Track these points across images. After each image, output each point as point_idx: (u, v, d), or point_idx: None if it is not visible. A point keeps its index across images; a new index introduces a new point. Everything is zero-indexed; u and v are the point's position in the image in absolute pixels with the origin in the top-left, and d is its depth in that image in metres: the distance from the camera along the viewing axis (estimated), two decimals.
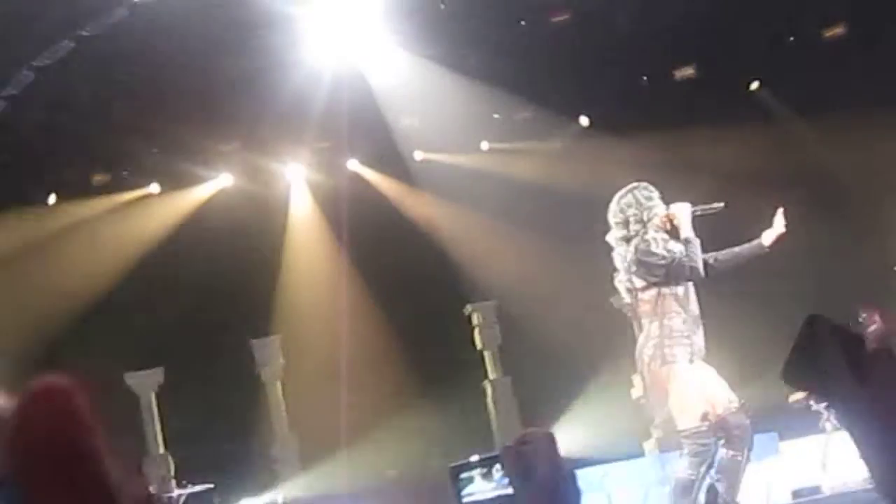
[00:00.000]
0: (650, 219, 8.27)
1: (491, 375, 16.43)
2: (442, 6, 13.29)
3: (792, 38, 15.30)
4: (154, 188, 15.64)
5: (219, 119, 14.39)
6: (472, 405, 16.31)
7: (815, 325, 2.01)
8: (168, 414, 15.54)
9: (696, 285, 8.30)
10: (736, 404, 8.12)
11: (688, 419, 8.13)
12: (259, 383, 16.24)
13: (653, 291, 8.20)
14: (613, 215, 8.39)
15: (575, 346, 15.26)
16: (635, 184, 8.45)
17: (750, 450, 8.14)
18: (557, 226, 15.34)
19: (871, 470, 2.09)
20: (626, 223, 8.33)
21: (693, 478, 8.11)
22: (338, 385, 15.51)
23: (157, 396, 15.63)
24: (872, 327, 12.28)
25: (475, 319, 16.52)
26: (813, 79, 15.20)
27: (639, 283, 8.28)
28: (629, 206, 8.35)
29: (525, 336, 15.64)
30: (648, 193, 8.39)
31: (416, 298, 15.72)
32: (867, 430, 1.99)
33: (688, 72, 15.36)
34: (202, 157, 15.35)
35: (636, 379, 15.80)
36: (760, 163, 13.30)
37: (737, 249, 8.42)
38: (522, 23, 14.13)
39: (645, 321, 8.31)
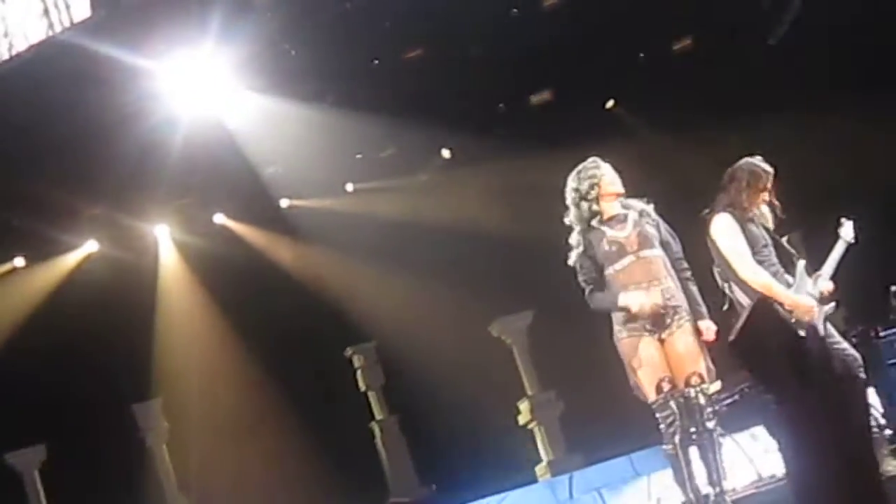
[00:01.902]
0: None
1: (377, 416, 16.39)
2: (292, 53, 13.26)
3: (642, 55, 15.53)
4: (19, 262, 15.37)
5: (80, 183, 14.18)
6: (361, 447, 16.25)
7: (764, 312, 2.02)
8: (54, 490, 15.24)
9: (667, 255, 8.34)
10: (697, 376, 8.13)
11: (651, 392, 8.17)
12: (144, 448, 16.01)
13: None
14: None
15: (458, 379, 15.29)
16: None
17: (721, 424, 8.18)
18: (429, 260, 15.40)
19: (786, 464, 2.11)
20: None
21: (672, 451, 8.13)
22: (224, 442, 15.35)
23: (41, 473, 15.33)
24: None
25: (356, 361, 16.49)
26: (665, 92, 15.45)
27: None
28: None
29: (408, 374, 15.64)
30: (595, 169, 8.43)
31: (296, 346, 15.64)
32: (795, 429, 2.01)
33: (544, 96, 15.50)
34: (66, 224, 15.10)
35: (522, 405, 15.92)
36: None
37: None
38: (376, 62, 14.16)
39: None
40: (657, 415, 8.15)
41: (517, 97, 15.51)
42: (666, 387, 8.07)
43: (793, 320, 8.18)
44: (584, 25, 14.48)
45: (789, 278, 8.48)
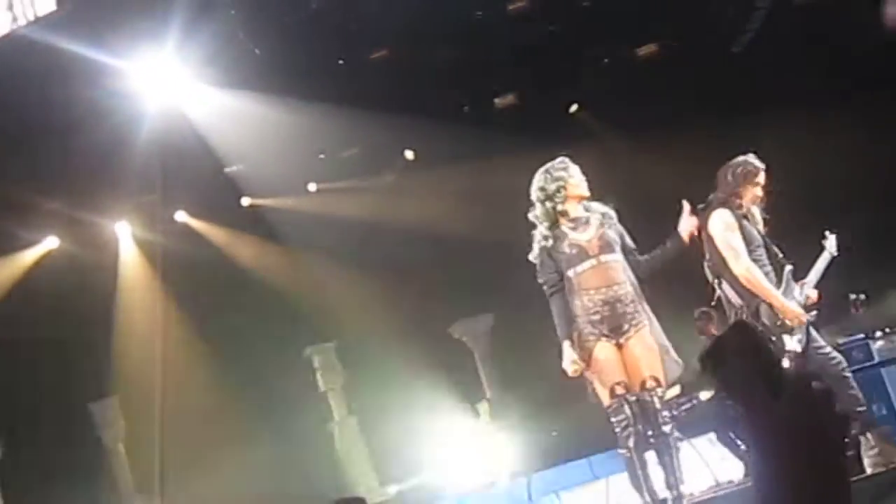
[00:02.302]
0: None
1: (336, 417, 16.36)
2: (256, 52, 13.23)
3: (606, 60, 15.57)
4: None
5: (41, 179, 14.11)
6: (320, 448, 16.22)
7: (740, 332, 2.06)
8: (9, 488, 15.14)
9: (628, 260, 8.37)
10: (653, 380, 8.15)
11: (605, 396, 8.18)
12: (101, 446, 15.93)
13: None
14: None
15: (418, 380, 15.31)
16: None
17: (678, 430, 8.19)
18: (390, 261, 15.40)
19: (754, 480, 2.12)
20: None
21: (627, 455, 8.14)
22: (182, 441, 15.29)
23: None
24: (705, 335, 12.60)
25: (316, 361, 16.45)
26: (629, 97, 15.50)
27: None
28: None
29: (368, 374, 15.64)
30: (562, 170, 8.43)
31: (255, 346, 15.60)
32: (763, 447, 2.03)
33: (509, 99, 15.53)
34: (26, 220, 15.02)
35: (481, 407, 15.93)
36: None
37: (659, 250, 8.49)
38: (341, 62, 14.15)
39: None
40: (612, 419, 8.17)
41: (482, 99, 15.52)
42: (620, 391, 8.09)
43: (779, 323, 8.30)
44: (549, 29, 14.53)
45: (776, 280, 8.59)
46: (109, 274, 15.74)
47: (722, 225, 8.58)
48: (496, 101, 15.53)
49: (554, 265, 8.32)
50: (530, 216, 8.45)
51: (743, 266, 8.40)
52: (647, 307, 8.37)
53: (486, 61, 14.61)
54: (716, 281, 8.65)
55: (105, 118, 13.28)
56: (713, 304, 8.88)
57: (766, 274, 8.54)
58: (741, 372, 2.08)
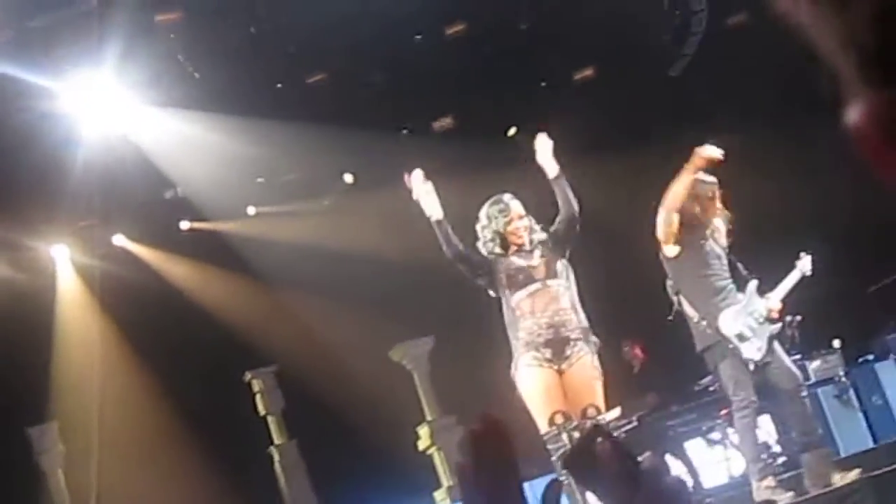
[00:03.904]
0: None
1: (276, 441, 16.30)
2: (196, 76, 13.21)
3: (544, 83, 15.68)
4: None
5: None
6: (259, 472, 16.15)
7: (596, 434, 2.13)
8: None
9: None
10: (593, 408, 8.17)
11: (543, 424, 8.20)
12: (39, 473, 15.77)
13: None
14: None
15: (359, 404, 15.28)
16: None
17: None
18: (330, 284, 15.39)
19: None
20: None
21: (563, 480, 8.14)
22: (122, 466, 15.18)
23: None
24: (634, 360, 12.77)
25: (256, 385, 16.38)
26: (567, 120, 15.59)
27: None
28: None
29: (308, 398, 15.59)
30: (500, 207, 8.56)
31: (195, 370, 15.52)
32: None
33: (446, 122, 15.59)
34: None
35: (422, 430, 15.94)
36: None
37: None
38: (279, 85, 14.16)
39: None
40: (548, 446, 8.20)
41: (420, 123, 15.58)
42: (559, 419, 8.12)
43: (737, 333, 8.47)
44: (488, 53, 14.61)
45: (740, 296, 8.70)
46: (47, 298, 15.62)
47: (674, 251, 8.73)
48: (434, 124, 15.59)
49: (487, 266, 8.42)
50: (479, 245, 8.56)
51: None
52: (592, 336, 8.44)
53: (424, 84, 14.68)
54: (675, 298, 8.78)
55: (41, 140, 13.20)
56: (670, 318, 8.99)
57: (725, 286, 8.67)
58: (606, 476, 2.17)
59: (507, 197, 8.70)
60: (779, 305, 8.92)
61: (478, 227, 8.67)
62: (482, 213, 8.68)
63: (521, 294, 8.30)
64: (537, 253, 8.42)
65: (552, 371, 8.23)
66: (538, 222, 8.70)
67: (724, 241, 8.90)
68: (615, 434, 8.01)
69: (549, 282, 8.33)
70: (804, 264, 9.20)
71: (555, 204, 8.67)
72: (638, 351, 12.62)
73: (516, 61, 14.85)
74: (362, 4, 12.68)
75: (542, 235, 8.58)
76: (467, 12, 14.03)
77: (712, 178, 8.88)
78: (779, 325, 8.85)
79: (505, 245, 8.49)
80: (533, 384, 8.22)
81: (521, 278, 8.32)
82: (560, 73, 15.59)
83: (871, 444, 11.84)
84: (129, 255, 15.90)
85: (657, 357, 12.92)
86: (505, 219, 8.53)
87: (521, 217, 8.55)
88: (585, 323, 8.44)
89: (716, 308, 8.70)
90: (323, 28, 13.21)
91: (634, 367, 12.71)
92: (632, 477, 2.13)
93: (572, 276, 8.54)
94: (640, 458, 2.09)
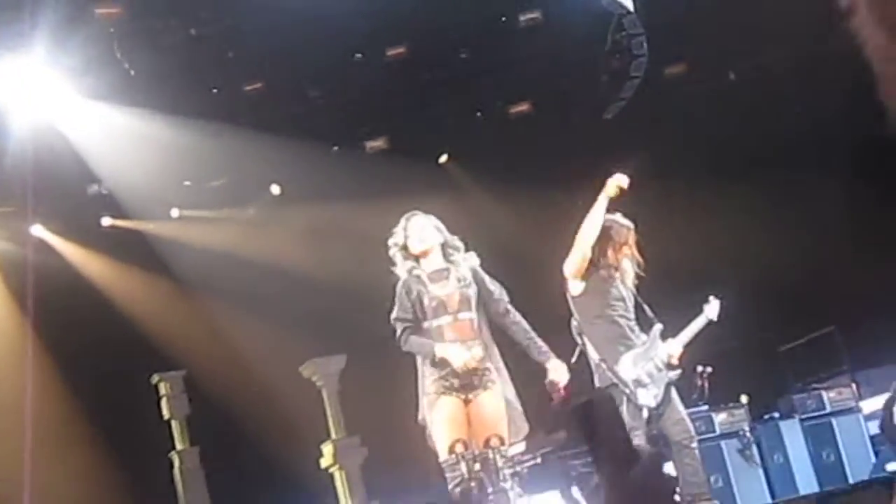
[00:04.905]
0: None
1: (178, 446, 16.15)
2: (132, 72, 13.11)
3: (479, 113, 15.74)
4: None
5: None
6: (159, 476, 16.00)
7: (606, 401, 2.16)
8: None
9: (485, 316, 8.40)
10: (497, 438, 8.15)
11: (444, 451, 8.15)
12: None
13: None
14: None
15: (265, 417, 15.20)
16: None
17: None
18: (247, 294, 15.32)
19: None
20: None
21: None
22: (22, 464, 14.97)
23: None
24: (555, 396, 12.77)
25: (163, 389, 16.23)
26: (499, 153, 15.67)
27: None
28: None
29: (214, 406, 15.47)
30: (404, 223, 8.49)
31: (103, 369, 15.36)
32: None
33: (379, 143, 15.59)
34: None
35: (326, 448, 15.87)
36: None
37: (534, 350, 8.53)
38: (215, 90, 14.09)
39: None
40: (447, 474, 8.18)
41: (352, 141, 15.57)
42: (459, 448, 8.10)
43: (635, 378, 8.47)
44: (426, 78, 14.65)
45: (644, 336, 8.72)
46: None
47: (578, 289, 8.75)
48: (367, 144, 15.58)
49: (411, 306, 8.32)
50: (395, 270, 8.46)
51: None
52: (500, 365, 8.43)
53: (360, 103, 14.68)
54: (578, 338, 8.79)
55: None
56: (574, 360, 9.00)
57: (626, 325, 8.70)
58: (607, 439, 2.20)
59: (407, 217, 8.53)
60: (680, 350, 8.92)
61: (390, 248, 8.55)
62: (393, 234, 8.55)
63: (432, 324, 8.27)
64: (451, 281, 8.34)
65: (458, 399, 8.22)
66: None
67: (630, 284, 8.92)
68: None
69: (460, 315, 8.26)
70: (711, 309, 9.18)
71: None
72: (560, 386, 12.63)
73: (454, 89, 14.90)
74: (305, 17, 12.64)
75: (460, 257, 8.50)
76: (409, 36, 14.05)
77: (628, 222, 8.92)
78: (678, 371, 8.87)
79: (413, 268, 8.42)
80: (436, 411, 8.20)
81: (435, 306, 8.25)
82: (496, 106, 15.65)
83: (768, 501, 11.95)
84: (46, 247, 15.71)
85: (578, 394, 12.94)
86: (405, 236, 8.46)
87: (421, 241, 8.46)
88: (496, 352, 8.44)
89: (616, 351, 8.72)
90: (264, 37, 13.17)
91: (553, 401, 12.71)
92: (629, 450, 2.16)
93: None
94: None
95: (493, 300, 8.43)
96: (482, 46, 14.35)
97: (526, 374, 8.66)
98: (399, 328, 8.35)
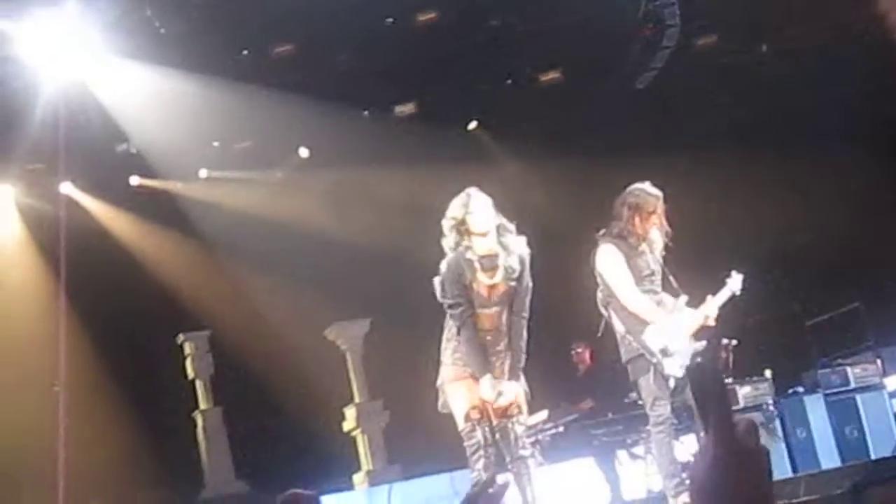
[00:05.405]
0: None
1: (202, 405, 16.22)
2: (162, 31, 13.10)
3: (509, 82, 15.69)
4: None
5: None
6: (182, 435, 16.08)
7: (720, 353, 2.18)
8: None
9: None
10: (515, 407, 8.13)
11: (461, 419, 8.14)
12: None
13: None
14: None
15: (288, 378, 15.25)
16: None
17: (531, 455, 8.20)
18: (274, 256, 15.34)
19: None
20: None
21: (477, 477, 8.09)
22: (52, 414, 15.03)
23: None
24: (581, 364, 12.77)
25: (187, 348, 16.30)
26: (529, 121, 15.63)
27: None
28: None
29: (238, 367, 15.53)
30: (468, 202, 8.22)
31: (130, 327, 15.43)
32: (720, 462, 2.14)
33: (409, 108, 15.55)
34: None
35: (348, 412, 15.92)
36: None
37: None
38: (245, 52, 14.08)
39: None
40: (465, 443, 8.18)
41: (382, 106, 15.54)
42: (474, 416, 8.09)
43: (661, 348, 8.47)
44: (457, 45, 14.59)
45: (670, 305, 8.72)
46: None
47: (608, 260, 8.67)
48: (396, 109, 15.55)
49: (464, 292, 8.20)
50: (442, 242, 8.29)
51: (631, 297, 8.53)
52: (514, 341, 8.34)
53: (390, 68, 14.64)
54: (604, 310, 8.76)
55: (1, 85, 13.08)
56: (600, 334, 8.97)
57: (659, 301, 8.67)
58: (720, 390, 2.20)
59: (467, 195, 8.22)
60: (715, 313, 8.88)
61: (444, 223, 8.34)
62: (449, 209, 8.33)
63: (475, 310, 8.23)
64: (500, 271, 8.15)
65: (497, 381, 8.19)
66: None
67: (658, 254, 8.85)
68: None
69: (496, 308, 8.17)
70: (735, 282, 9.13)
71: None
72: (586, 356, 12.60)
73: (484, 56, 14.84)
74: None
75: (512, 243, 8.34)
76: (441, 2, 14.01)
77: (657, 191, 8.82)
78: (703, 342, 8.83)
79: (467, 249, 8.25)
80: (453, 381, 8.20)
81: (483, 294, 8.19)
82: (526, 73, 15.60)
83: (789, 474, 11.93)
84: (74, 204, 15.74)
85: (603, 365, 12.89)
86: (466, 214, 8.25)
87: (484, 221, 8.24)
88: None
89: (643, 321, 8.67)
90: (296, 0, 13.14)
91: (579, 371, 12.70)
92: (731, 405, 2.17)
93: None
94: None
95: (518, 298, 8.28)
96: (513, 13, 14.29)
97: (549, 351, 8.64)
98: (456, 313, 8.19)
